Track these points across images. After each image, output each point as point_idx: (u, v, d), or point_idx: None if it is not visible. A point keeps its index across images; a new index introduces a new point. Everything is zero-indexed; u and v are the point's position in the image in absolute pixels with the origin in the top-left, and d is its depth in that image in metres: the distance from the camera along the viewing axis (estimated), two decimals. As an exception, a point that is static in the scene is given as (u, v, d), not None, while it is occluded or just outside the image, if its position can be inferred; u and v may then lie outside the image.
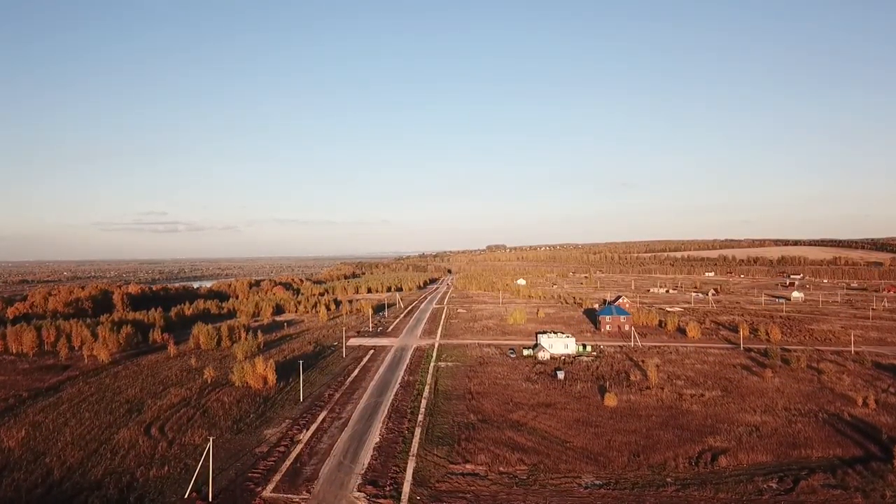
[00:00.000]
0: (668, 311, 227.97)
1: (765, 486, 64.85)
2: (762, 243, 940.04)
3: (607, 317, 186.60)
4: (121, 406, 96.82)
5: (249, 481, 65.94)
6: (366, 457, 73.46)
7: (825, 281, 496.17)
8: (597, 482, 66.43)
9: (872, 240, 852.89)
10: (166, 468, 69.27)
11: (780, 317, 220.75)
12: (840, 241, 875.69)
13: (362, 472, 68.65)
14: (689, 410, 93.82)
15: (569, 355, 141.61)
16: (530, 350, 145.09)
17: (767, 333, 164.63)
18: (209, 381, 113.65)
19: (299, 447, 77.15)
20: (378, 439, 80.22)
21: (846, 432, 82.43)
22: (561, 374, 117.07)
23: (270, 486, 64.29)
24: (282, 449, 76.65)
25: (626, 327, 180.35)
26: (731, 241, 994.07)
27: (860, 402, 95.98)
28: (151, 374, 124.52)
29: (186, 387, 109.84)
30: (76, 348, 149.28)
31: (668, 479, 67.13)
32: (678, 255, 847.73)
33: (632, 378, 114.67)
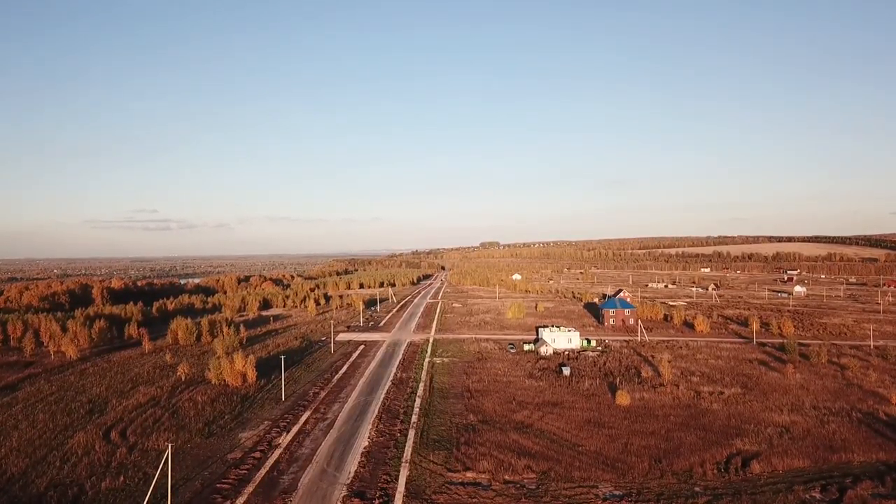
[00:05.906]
0: (672, 306, 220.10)
1: (807, 495, 56.98)
2: (756, 240, 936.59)
3: (611, 310, 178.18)
4: (81, 406, 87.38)
5: (217, 493, 57.11)
6: (352, 464, 64.68)
7: (822, 276, 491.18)
8: (616, 492, 58.22)
9: (865, 236, 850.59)
10: (122, 478, 60.22)
11: (788, 311, 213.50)
12: (833, 238, 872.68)
13: (348, 481, 59.87)
14: (710, 409, 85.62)
15: (573, 350, 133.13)
16: (531, 345, 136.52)
17: (780, 327, 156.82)
18: (183, 379, 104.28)
19: (277, 452, 68.25)
20: (367, 443, 71.43)
21: (886, 433, 74.63)
22: (566, 371, 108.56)
23: (241, 500, 55.47)
24: (257, 455, 67.72)
25: (632, 321, 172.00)
26: (725, 237, 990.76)
27: (894, 399, 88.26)
28: (121, 371, 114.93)
29: (157, 385, 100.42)
30: (44, 344, 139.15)
31: (697, 489, 59.10)
32: (673, 251, 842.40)
33: (643, 374, 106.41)
